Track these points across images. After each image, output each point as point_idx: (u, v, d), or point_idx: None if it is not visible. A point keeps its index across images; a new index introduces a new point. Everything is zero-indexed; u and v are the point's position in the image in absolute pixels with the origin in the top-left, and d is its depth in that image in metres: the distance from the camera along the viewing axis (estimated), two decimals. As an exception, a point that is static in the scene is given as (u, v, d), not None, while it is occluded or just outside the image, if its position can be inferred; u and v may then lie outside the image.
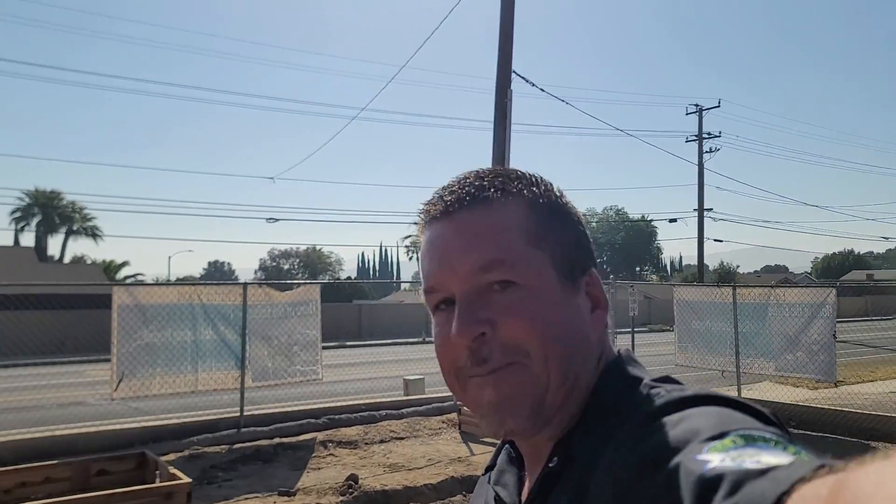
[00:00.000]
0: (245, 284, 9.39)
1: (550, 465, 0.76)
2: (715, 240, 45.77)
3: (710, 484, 0.53)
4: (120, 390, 8.44)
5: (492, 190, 0.80)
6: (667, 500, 0.56)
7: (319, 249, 76.86)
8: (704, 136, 43.86)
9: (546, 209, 0.81)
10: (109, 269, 47.51)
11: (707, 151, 43.98)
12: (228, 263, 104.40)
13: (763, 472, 0.51)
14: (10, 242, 51.21)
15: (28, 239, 53.65)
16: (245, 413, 9.21)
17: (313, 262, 75.12)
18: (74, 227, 54.57)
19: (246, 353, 9.26)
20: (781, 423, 0.65)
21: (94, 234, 54.70)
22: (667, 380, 0.77)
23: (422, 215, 0.84)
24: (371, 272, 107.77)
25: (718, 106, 44.32)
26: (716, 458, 0.55)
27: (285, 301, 9.78)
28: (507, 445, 0.92)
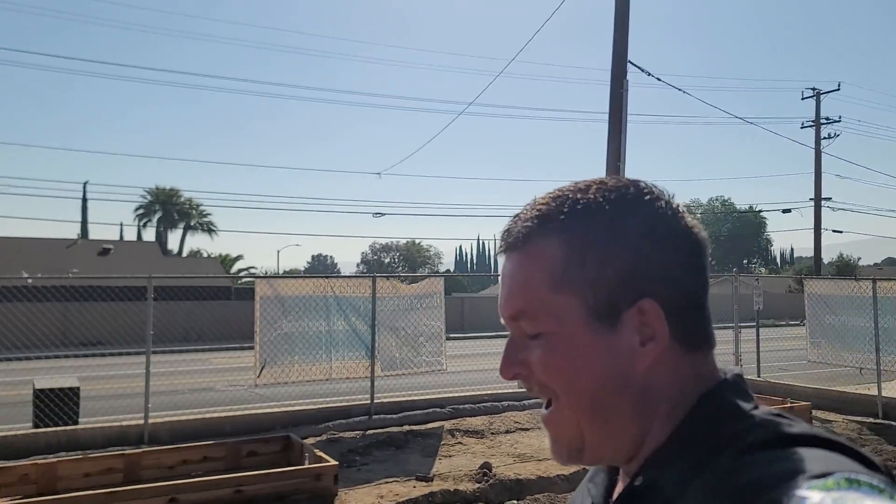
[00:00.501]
0: (374, 277, 9.76)
1: (636, 483, 0.76)
2: (834, 230, 43.33)
3: None
4: (263, 377, 8.97)
5: (534, 228, 0.80)
6: None
7: (419, 243, 78.09)
8: (823, 121, 41.60)
9: (587, 242, 0.78)
10: (225, 262, 50.04)
11: (825, 137, 41.73)
12: (331, 257, 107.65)
13: None
14: (134, 237, 54.85)
15: (149, 234, 57.33)
16: (375, 401, 9.58)
17: (413, 256, 76.41)
18: (192, 223, 57.78)
19: (375, 343, 9.63)
20: (892, 473, 0.64)
21: (209, 229, 57.79)
22: (778, 415, 0.73)
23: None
24: (468, 265, 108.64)
25: (838, 89, 41.76)
26: (815, 497, 0.55)
27: (411, 293, 10.09)
28: None
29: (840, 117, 42.40)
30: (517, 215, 0.84)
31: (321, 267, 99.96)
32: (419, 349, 10.03)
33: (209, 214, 57.95)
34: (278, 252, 55.15)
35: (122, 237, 52.99)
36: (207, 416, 9.05)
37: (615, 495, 0.83)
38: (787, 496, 0.57)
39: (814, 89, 42.49)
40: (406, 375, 10.19)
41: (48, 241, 35.64)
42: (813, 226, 41.20)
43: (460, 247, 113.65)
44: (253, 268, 54.13)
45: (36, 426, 8.99)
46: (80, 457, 7.30)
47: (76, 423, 8.90)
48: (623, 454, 0.79)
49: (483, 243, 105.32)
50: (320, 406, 9.53)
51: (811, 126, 41.86)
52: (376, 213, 35.26)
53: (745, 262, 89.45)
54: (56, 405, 8.90)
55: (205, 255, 54.03)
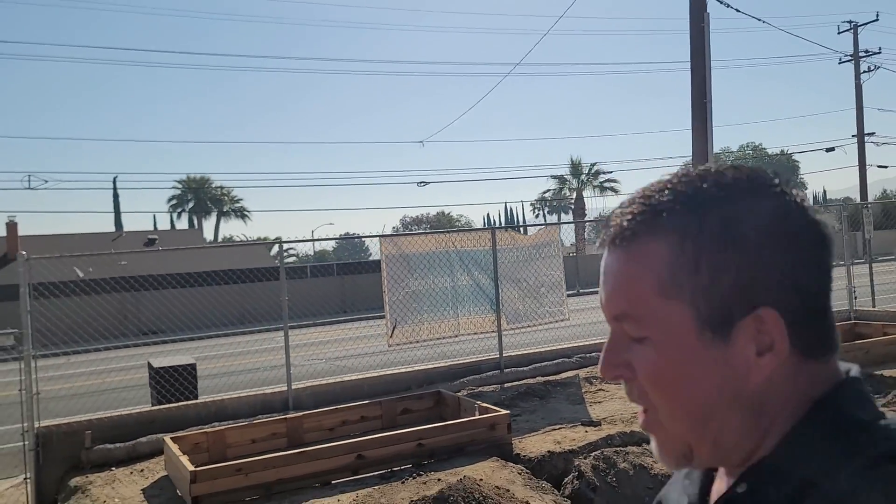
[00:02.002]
0: (493, 229, 9.58)
1: (738, 489, 0.72)
2: (879, 166, 42.57)
3: None
4: (395, 337, 8.83)
5: (642, 223, 0.74)
6: None
7: (448, 213, 77.83)
8: (861, 54, 40.57)
9: (701, 245, 0.71)
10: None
11: (865, 71, 40.80)
12: (359, 234, 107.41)
13: None
14: (167, 227, 55.07)
15: (182, 223, 57.51)
16: (503, 355, 9.42)
17: (444, 226, 76.13)
18: (224, 209, 57.92)
19: (499, 296, 9.44)
20: None
21: (242, 214, 57.90)
22: None
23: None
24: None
25: (877, 20, 40.60)
26: None
27: (528, 244, 9.87)
28: None
29: (880, 49, 41.31)
30: (622, 205, 0.77)
31: (349, 246, 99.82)
32: (541, 300, 9.82)
33: (241, 200, 58.06)
34: (312, 232, 55.13)
35: (155, 227, 53.21)
36: (345, 379, 8.95)
37: (713, 496, 0.79)
38: None
39: (850, 22, 41.41)
40: (528, 330, 10.00)
41: (94, 235, 35.86)
42: (857, 163, 40.45)
43: (488, 214, 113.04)
44: (291, 249, 54.27)
45: (153, 405, 8.95)
46: (246, 423, 7.24)
47: (195, 398, 8.84)
48: (734, 463, 0.74)
49: (510, 209, 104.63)
50: (451, 364, 9.38)
51: (850, 60, 40.91)
52: (420, 182, 34.88)
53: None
54: (173, 383, 8.83)
55: (238, 239, 54.19)
